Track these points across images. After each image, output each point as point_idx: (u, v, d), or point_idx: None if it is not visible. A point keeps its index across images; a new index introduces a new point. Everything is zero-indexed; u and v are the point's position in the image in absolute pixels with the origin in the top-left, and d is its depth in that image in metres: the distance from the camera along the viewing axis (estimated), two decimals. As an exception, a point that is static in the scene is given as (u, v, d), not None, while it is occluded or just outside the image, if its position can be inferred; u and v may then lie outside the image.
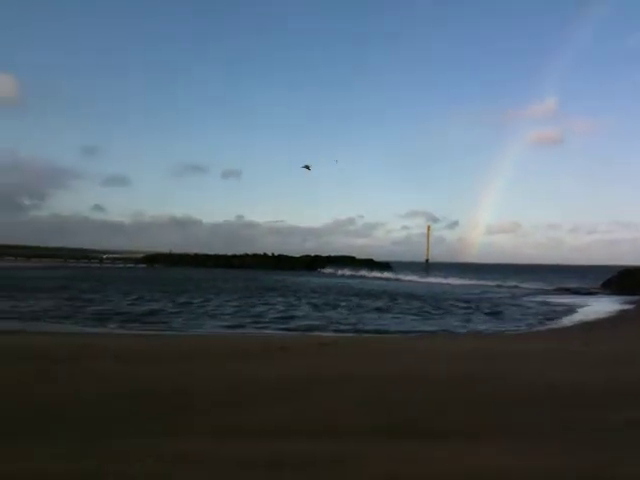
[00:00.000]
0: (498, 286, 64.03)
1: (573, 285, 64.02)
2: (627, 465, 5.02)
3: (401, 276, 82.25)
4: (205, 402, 7.91)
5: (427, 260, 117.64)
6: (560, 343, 17.78)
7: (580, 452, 5.55)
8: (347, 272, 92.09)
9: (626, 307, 35.23)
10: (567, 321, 27.23)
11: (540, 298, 44.79)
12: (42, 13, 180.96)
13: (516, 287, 62.41)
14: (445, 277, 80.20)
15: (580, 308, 34.67)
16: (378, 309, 31.36)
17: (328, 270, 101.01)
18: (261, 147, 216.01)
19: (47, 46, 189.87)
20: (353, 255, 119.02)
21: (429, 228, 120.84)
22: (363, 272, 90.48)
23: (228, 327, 22.34)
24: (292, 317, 26.03)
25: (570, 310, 33.13)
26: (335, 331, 21.79)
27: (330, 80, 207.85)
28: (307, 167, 38.21)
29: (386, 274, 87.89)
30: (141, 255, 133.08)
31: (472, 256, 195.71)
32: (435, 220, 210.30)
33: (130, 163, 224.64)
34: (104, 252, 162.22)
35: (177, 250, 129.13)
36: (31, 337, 17.25)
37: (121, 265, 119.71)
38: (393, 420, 7.02)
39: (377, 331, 22.18)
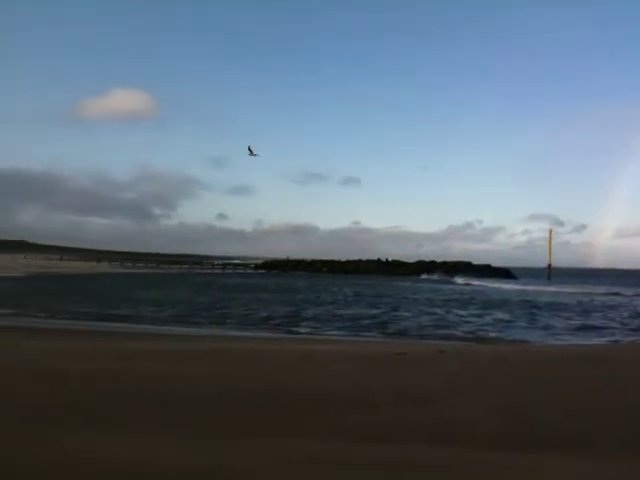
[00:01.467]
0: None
1: None
2: None
3: (524, 285, 75.91)
4: (324, 403, 7.86)
5: (549, 266, 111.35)
6: None
7: None
8: (459, 280, 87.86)
9: None
10: None
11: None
12: (174, 35, 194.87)
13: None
14: (575, 285, 75.21)
15: None
16: (509, 321, 29.64)
17: (438, 276, 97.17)
18: (379, 154, 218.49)
19: (180, 64, 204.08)
20: (469, 261, 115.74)
21: (551, 232, 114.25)
22: (479, 280, 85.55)
23: (347, 333, 22.41)
24: (408, 326, 25.56)
25: None
26: (455, 339, 21.14)
27: (447, 83, 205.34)
28: (250, 151, 37.23)
29: (507, 282, 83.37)
30: (260, 261, 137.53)
31: (600, 261, 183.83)
32: (560, 224, 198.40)
33: (254, 173, 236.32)
34: (226, 258, 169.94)
35: (294, 256, 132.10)
36: (156, 340, 18.22)
37: (241, 271, 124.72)
38: (523, 429, 6.61)
39: (510, 340, 21.28)
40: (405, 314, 30.56)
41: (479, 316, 30.46)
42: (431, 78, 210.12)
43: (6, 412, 6.70)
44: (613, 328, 25.95)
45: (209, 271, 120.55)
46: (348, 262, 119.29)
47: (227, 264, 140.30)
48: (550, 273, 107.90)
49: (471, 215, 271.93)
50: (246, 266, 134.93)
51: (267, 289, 54.99)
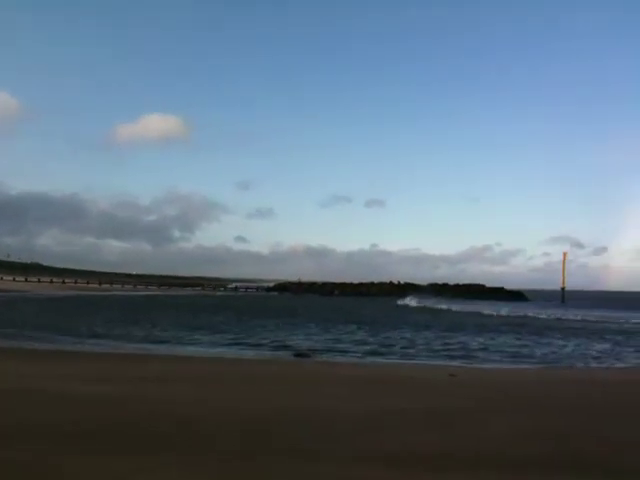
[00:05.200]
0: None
1: None
2: None
3: (530, 310, 64.53)
4: (344, 428, 8.07)
5: (563, 289, 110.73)
6: None
7: None
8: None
9: None
10: None
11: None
12: (206, 59, 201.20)
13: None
14: (582, 308, 74.24)
15: None
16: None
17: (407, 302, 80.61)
18: (406, 176, 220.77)
19: (213, 87, 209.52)
20: (483, 283, 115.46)
21: (565, 255, 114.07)
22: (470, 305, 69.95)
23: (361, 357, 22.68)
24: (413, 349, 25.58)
25: None
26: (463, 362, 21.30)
27: (471, 107, 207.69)
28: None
29: (506, 308, 65.25)
30: (272, 284, 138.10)
31: (618, 284, 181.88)
32: (580, 246, 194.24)
33: (278, 196, 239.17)
34: (241, 281, 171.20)
35: (307, 279, 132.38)
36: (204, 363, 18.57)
37: (253, 292, 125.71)
38: (550, 452, 6.81)
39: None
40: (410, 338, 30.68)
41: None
42: (459, 103, 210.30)
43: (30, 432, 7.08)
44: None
45: (221, 293, 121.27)
46: (360, 284, 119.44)
47: (239, 286, 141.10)
48: (564, 296, 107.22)
49: (491, 238, 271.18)
50: (259, 288, 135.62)
51: (268, 312, 55.12)
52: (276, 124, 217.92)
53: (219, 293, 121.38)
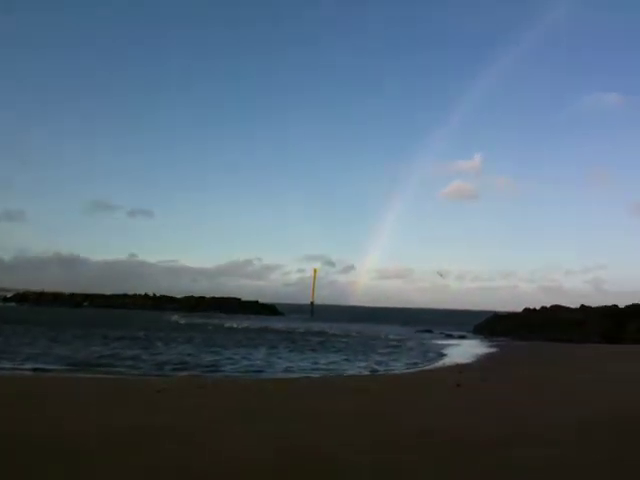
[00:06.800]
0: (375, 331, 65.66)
1: (449, 329, 67.47)
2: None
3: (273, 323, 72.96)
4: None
5: (312, 303, 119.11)
6: (430, 385, 19.02)
7: None
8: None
9: (488, 350, 37.73)
10: (436, 364, 28.70)
11: (415, 342, 46.83)
12: None
13: (393, 330, 64.62)
14: (324, 322, 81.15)
15: (449, 350, 36.90)
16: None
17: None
18: (170, 188, 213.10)
19: None
20: (239, 297, 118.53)
21: (315, 271, 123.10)
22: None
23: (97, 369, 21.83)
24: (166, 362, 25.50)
25: (439, 353, 35.02)
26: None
27: (235, 117, 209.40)
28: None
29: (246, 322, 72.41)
30: (11, 294, 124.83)
31: (362, 300, 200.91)
32: (331, 264, 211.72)
33: (30, 197, 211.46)
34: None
35: (55, 289, 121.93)
36: None
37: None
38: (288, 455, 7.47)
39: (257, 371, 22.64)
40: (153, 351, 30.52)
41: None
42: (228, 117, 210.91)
43: None
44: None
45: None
46: (114, 296, 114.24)
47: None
48: (313, 310, 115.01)
49: (251, 253, 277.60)
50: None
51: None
52: (33, 119, 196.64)
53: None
